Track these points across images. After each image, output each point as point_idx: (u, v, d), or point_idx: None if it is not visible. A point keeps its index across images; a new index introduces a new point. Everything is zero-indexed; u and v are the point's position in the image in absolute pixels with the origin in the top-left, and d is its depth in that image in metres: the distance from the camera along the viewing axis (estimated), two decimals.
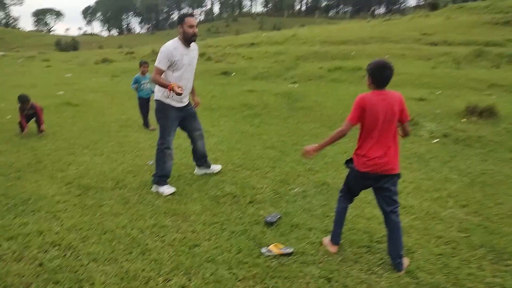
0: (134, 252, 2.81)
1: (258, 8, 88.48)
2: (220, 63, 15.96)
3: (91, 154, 5.11)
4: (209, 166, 4.38)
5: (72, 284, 2.44)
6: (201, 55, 18.56)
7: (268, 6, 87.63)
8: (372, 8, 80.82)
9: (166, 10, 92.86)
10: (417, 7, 57.85)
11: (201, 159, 4.29)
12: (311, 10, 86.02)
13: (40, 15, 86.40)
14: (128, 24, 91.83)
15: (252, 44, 20.76)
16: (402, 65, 12.18)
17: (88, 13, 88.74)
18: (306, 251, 2.85)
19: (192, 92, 4.10)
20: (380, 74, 2.60)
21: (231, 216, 3.40)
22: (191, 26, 3.62)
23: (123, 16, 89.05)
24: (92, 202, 3.63)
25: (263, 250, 2.84)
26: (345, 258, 2.77)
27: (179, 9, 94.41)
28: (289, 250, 2.83)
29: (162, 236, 3.04)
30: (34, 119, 5.99)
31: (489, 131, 6.22)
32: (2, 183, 4.08)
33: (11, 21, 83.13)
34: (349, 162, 2.76)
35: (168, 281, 2.49)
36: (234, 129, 6.61)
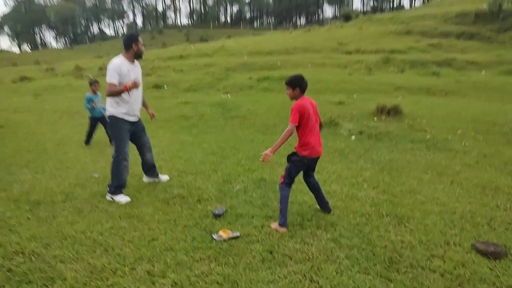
0: (98, 251, 3.10)
1: (183, 20, 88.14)
2: (151, 76, 16.00)
3: (32, 172, 5.12)
4: (157, 175, 4.72)
5: (45, 282, 2.68)
6: None
7: (193, 17, 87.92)
8: (294, 20, 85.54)
9: (83, 23, 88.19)
10: (334, 18, 62.71)
11: (150, 169, 4.63)
12: (236, 21, 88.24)
13: None
14: (42, 39, 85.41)
15: (181, 56, 21.03)
16: (323, 73, 13.52)
17: None
18: (250, 233, 3.39)
19: (145, 106, 4.46)
20: (304, 84, 3.43)
21: (182, 214, 3.81)
22: (142, 45, 4.04)
23: (36, 30, 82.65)
24: (45, 215, 3.78)
25: (214, 236, 3.31)
26: (283, 235, 3.36)
27: (98, 21, 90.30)
28: (236, 234, 3.34)
29: (121, 235, 3.35)
30: None
31: (395, 126, 7.40)
32: None
33: None
34: (292, 155, 3.52)
35: (133, 270, 2.85)
36: (173, 139, 6.97)
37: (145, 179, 4.73)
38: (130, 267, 2.88)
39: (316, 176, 4.32)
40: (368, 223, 3.58)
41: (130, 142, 4.30)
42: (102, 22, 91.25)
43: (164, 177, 4.77)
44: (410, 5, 74.62)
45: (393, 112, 7.96)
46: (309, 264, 2.92)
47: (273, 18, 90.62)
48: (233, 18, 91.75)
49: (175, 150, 6.17)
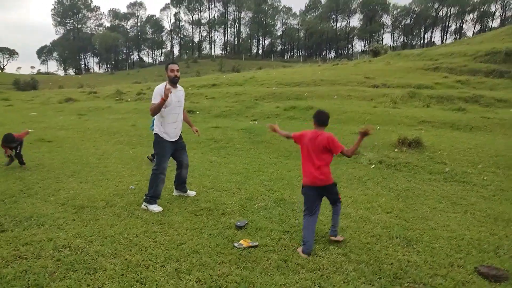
0: (133, 249, 3.54)
1: (217, 50, 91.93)
2: (184, 102, 16.90)
3: (76, 181, 5.73)
4: (186, 191, 5.22)
5: (88, 271, 3.13)
6: None
7: (227, 49, 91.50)
8: (323, 53, 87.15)
9: (125, 51, 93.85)
10: (363, 52, 63.50)
11: (181, 184, 5.15)
12: (268, 53, 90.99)
13: None
14: (86, 64, 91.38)
15: (214, 85, 22.06)
16: (348, 104, 13.88)
17: (44, 52, 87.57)
18: (268, 244, 3.74)
19: (190, 124, 5.22)
20: (319, 117, 3.80)
21: (207, 224, 4.22)
22: (172, 71, 4.66)
23: (81, 56, 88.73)
24: (88, 217, 4.30)
25: (235, 244, 3.69)
26: (297, 248, 3.69)
27: (139, 50, 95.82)
28: (255, 244, 3.70)
29: (153, 238, 3.80)
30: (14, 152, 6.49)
31: (415, 158, 7.58)
32: (1, 206, 4.61)
33: None
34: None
35: (164, 267, 3.26)
36: (203, 159, 7.49)
37: (175, 192, 5.21)
38: (161, 264, 3.30)
39: None
40: (377, 243, 3.84)
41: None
42: (142, 50, 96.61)
43: (191, 193, 5.25)
44: (441, 42, 74.49)
45: (414, 144, 8.15)
46: (319, 273, 3.22)
47: (303, 51, 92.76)
48: (265, 50, 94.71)
49: (204, 169, 6.66)
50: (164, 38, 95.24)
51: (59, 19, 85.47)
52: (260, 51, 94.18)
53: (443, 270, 3.31)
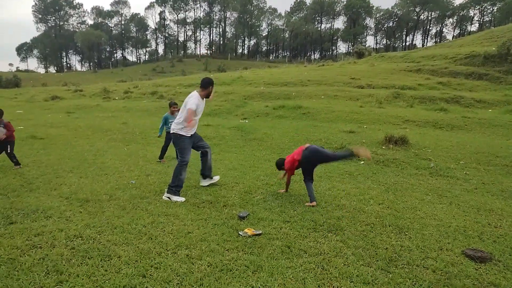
0: (143, 238, 3.71)
1: (203, 50, 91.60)
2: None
3: (76, 176, 5.82)
4: (212, 177, 5.65)
5: (103, 258, 3.28)
6: (153, 93, 19.53)
7: (212, 48, 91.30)
8: (308, 54, 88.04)
9: (108, 49, 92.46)
10: (347, 54, 64.50)
11: (208, 170, 5.56)
12: (253, 53, 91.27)
13: None
14: (67, 62, 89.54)
15: None
16: (335, 104, 14.26)
17: (24, 50, 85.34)
18: (271, 233, 3.96)
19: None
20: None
21: (211, 215, 4.41)
22: (213, 89, 5.26)
23: (63, 54, 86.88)
24: (95, 210, 4.43)
25: (240, 232, 3.90)
26: (298, 235, 3.93)
27: (123, 48, 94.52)
28: (259, 232, 3.92)
29: (162, 228, 3.97)
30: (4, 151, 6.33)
31: (402, 154, 7.95)
32: (5, 200, 4.68)
33: None
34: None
35: (175, 253, 3.44)
36: (198, 156, 7.60)
37: (204, 183, 5.59)
38: (172, 251, 3.47)
39: (327, 192, 5.38)
40: (372, 230, 4.12)
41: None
42: (126, 49, 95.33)
43: (216, 177, 5.71)
44: (423, 45, 76.42)
45: (400, 141, 8.53)
46: (321, 257, 3.47)
47: (288, 52, 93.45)
48: (250, 50, 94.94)
49: (200, 165, 6.82)
50: (148, 36, 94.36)
51: (40, 16, 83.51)
52: (246, 51, 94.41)
53: (434, 254, 3.60)
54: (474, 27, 79.63)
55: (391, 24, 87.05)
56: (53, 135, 9.28)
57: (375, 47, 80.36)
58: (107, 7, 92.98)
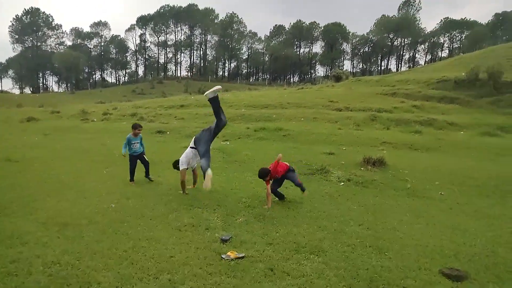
0: (124, 263, 3.64)
1: (183, 72, 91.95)
2: (153, 123, 16.89)
3: (54, 200, 5.66)
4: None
5: (82, 285, 3.21)
6: (133, 115, 19.36)
7: (193, 70, 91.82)
8: (288, 77, 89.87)
9: (87, 70, 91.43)
10: (325, 77, 66.23)
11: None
12: (233, 76, 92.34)
13: None
14: (44, 83, 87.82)
15: (182, 106, 22.14)
16: (315, 126, 14.54)
17: None
18: (254, 255, 3.97)
19: None
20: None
21: (193, 238, 4.39)
22: None
23: (39, 75, 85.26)
24: (73, 235, 4.33)
25: (223, 256, 3.90)
26: (281, 257, 3.95)
27: (102, 69, 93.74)
28: (242, 255, 3.93)
29: (143, 253, 3.91)
30: None
31: (380, 176, 8.15)
32: None
33: None
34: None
35: (157, 278, 3.40)
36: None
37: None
38: (154, 276, 3.43)
39: (308, 214, 5.50)
40: (353, 251, 4.19)
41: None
42: (105, 70, 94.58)
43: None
44: (397, 69, 79.53)
45: (378, 163, 8.76)
46: (303, 279, 3.50)
47: (268, 74, 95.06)
48: (231, 72, 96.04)
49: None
50: (128, 58, 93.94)
51: (17, 37, 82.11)
52: (226, 74, 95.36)
53: (413, 273, 3.70)
54: (444, 53, 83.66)
55: (367, 49, 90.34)
56: (29, 157, 9.03)
57: (352, 71, 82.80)
58: (86, 28, 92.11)
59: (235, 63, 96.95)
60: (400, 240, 4.56)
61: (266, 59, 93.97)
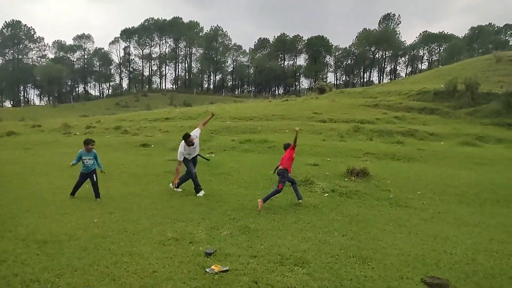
0: (106, 280, 3.57)
1: (168, 85, 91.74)
2: (138, 136, 16.75)
3: (34, 216, 5.52)
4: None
5: None
6: (117, 128, 19.17)
7: (178, 83, 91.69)
8: (272, 89, 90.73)
9: (70, 83, 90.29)
10: (309, 89, 67.13)
11: (182, 182, 7.75)
12: (218, 88, 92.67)
13: None
14: (25, 96, 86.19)
15: (167, 118, 22.09)
16: (299, 138, 14.63)
17: None
18: (238, 268, 3.95)
19: (205, 123, 8.48)
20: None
21: (177, 252, 4.34)
22: (190, 142, 7.50)
23: (20, 88, 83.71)
24: (53, 252, 4.22)
25: (207, 269, 3.87)
26: (265, 270, 3.95)
27: (85, 82, 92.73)
28: (226, 268, 3.91)
29: (125, 268, 3.84)
30: None
31: (363, 186, 8.26)
32: None
33: None
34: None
35: None
36: (164, 191, 7.55)
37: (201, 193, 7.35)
38: None
39: (293, 225, 5.47)
40: (337, 262, 4.22)
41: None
42: (89, 83, 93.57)
43: (201, 193, 7.38)
44: (379, 81, 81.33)
45: (362, 174, 8.89)
46: None
47: (253, 87, 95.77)
48: (216, 85, 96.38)
49: (166, 201, 6.74)
50: (112, 71, 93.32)
51: None
52: (211, 86, 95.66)
53: (395, 283, 3.74)
54: (424, 65, 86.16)
55: (349, 61, 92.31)
56: (8, 172, 8.81)
57: (335, 83, 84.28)
58: (69, 41, 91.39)
59: (220, 76, 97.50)
60: (383, 250, 4.62)
61: (251, 71, 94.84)
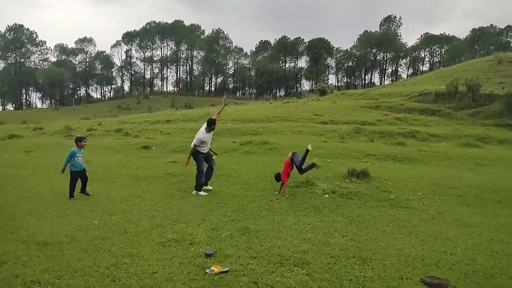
0: (106, 281, 3.59)
1: (169, 87, 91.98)
2: (139, 138, 16.78)
3: (35, 219, 5.55)
4: (207, 184, 7.87)
5: None
6: (118, 130, 19.22)
7: (179, 85, 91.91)
8: (273, 91, 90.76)
9: (72, 86, 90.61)
10: (310, 91, 67.15)
11: (207, 179, 7.87)
12: (220, 90, 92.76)
13: None
14: (27, 99, 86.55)
15: (168, 120, 22.12)
16: (300, 139, 14.68)
17: None
18: (238, 269, 3.96)
19: (219, 113, 8.75)
20: None
21: (177, 254, 4.35)
22: (211, 127, 7.93)
23: (23, 91, 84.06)
24: (54, 253, 4.24)
25: (207, 270, 3.88)
26: (265, 271, 3.95)
27: (87, 85, 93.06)
28: (226, 269, 3.92)
29: (125, 270, 3.86)
30: None
31: (364, 187, 8.25)
32: None
33: None
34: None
35: None
36: (165, 193, 7.56)
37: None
38: None
39: (293, 226, 5.47)
40: (337, 263, 4.22)
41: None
42: (90, 86, 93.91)
43: (209, 187, 7.85)
44: (380, 83, 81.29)
45: (362, 175, 8.88)
46: None
47: (254, 89, 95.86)
48: (217, 87, 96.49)
49: (166, 203, 6.75)
50: (114, 74, 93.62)
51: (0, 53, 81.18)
52: (213, 88, 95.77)
53: (395, 283, 3.74)
54: (425, 67, 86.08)
55: (350, 63, 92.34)
56: (10, 175, 8.85)
57: (336, 85, 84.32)
58: (71, 44, 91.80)
59: (221, 78, 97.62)
60: (383, 250, 4.62)
61: (252, 74, 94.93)
